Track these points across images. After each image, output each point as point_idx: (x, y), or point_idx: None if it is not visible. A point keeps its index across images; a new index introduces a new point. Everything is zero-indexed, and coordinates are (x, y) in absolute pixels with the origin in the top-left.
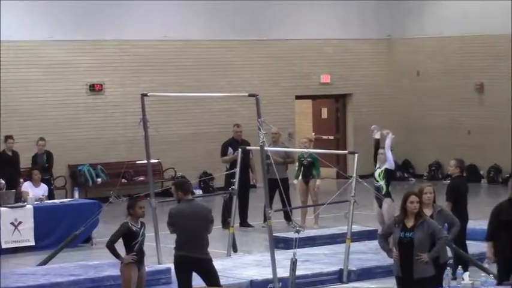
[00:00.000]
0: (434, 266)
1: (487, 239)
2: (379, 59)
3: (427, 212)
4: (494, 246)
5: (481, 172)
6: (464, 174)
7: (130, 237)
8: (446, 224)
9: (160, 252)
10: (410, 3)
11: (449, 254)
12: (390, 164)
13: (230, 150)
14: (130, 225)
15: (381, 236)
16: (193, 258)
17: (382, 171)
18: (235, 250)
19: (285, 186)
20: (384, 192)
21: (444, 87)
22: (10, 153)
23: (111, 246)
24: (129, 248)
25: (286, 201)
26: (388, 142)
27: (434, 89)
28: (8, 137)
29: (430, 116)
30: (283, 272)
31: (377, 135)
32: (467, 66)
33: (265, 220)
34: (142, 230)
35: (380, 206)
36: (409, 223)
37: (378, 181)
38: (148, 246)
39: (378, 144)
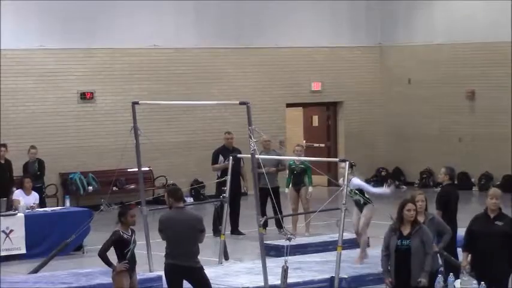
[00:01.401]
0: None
1: (463, 249)
2: (370, 66)
3: (419, 219)
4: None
5: (472, 180)
6: (455, 182)
7: (122, 245)
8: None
9: (151, 260)
10: (401, 11)
11: (440, 262)
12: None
13: (221, 158)
14: (121, 233)
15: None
16: (182, 267)
17: (351, 189)
18: (226, 258)
19: (276, 195)
20: (362, 202)
21: (435, 95)
22: (3, 162)
23: (103, 255)
24: (121, 256)
25: (278, 208)
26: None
27: (426, 96)
28: (1, 145)
29: (421, 123)
30: (275, 279)
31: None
32: (459, 74)
33: (264, 227)
34: (133, 238)
35: (361, 212)
36: (406, 231)
37: (352, 196)
38: (140, 254)
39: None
